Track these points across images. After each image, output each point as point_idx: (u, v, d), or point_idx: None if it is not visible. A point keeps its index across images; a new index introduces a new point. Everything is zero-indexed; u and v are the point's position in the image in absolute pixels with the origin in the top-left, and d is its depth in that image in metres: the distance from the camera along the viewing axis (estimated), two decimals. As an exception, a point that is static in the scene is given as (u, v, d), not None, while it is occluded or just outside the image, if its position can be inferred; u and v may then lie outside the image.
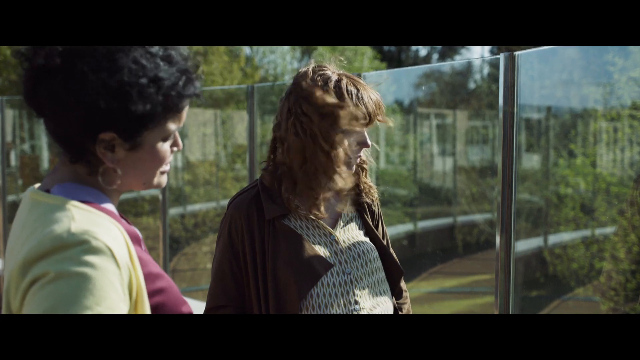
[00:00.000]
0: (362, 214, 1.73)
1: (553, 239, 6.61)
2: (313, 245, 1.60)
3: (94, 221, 0.98)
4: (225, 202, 7.49)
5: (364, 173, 1.72)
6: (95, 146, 1.02)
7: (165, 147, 1.09)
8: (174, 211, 7.43)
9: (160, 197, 5.01)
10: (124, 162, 1.05)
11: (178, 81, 1.04)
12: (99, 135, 1.01)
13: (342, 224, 1.69)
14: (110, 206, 1.07)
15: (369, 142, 1.60)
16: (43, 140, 7.95)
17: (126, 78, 0.99)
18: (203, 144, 7.99)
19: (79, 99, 0.97)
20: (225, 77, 11.84)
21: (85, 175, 1.06)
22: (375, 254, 1.69)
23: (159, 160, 1.08)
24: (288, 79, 1.75)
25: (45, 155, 7.95)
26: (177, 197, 7.65)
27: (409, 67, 6.76)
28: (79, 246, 0.93)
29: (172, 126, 1.07)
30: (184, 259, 7.12)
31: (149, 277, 1.03)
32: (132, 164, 1.06)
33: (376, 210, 1.77)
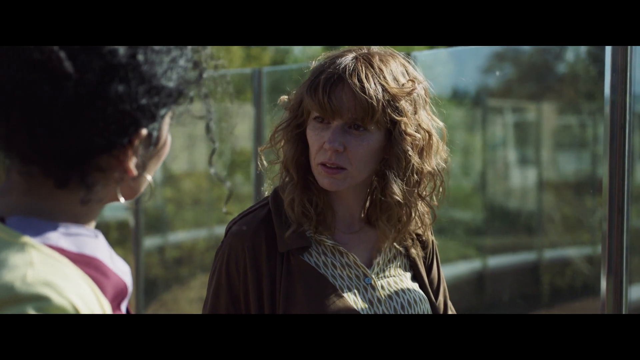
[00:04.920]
0: (410, 249, 1.74)
1: (679, 282, 6.52)
2: (340, 291, 1.62)
3: (59, 271, 0.97)
4: (220, 230, 7.51)
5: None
6: (108, 156, 1.04)
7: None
8: (150, 242, 7.46)
9: (132, 222, 5.02)
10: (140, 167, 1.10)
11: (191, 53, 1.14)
12: (134, 134, 1.04)
13: (381, 263, 1.69)
14: (94, 246, 1.08)
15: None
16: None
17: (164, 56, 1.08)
18: (190, 148, 8.03)
19: (137, 89, 1.02)
20: (221, 57, 11.94)
21: (64, 201, 1.06)
22: (427, 305, 1.70)
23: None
24: (307, 61, 1.78)
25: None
26: (154, 222, 7.68)
27: (476, 46, 6.71)
28: (36, 302, 0.92)
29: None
30: (163, 308, 7.14)
31: None
32: (149, 166, 1.12)
33: (430, 245, 1.78)
